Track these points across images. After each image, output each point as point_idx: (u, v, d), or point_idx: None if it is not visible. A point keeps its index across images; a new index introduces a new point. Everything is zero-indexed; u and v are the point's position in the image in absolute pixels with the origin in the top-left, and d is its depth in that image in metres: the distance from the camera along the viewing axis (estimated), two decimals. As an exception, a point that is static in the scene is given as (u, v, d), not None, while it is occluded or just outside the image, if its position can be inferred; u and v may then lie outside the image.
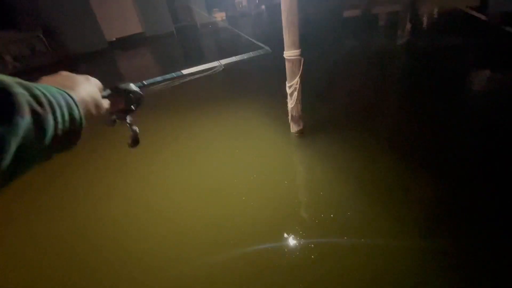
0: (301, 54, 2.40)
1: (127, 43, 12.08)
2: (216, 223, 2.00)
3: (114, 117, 0.58)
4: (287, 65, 2.47)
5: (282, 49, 2.42)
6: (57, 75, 0.47)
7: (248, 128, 3.23)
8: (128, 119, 0.59)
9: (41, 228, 2.23)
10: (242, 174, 2.46)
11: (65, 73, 0.48)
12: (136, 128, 0.61)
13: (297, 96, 2.52)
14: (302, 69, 2.42)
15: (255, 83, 4.72)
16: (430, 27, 6.28)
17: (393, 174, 2.21)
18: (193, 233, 1.95)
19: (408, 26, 5.70)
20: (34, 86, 0.34)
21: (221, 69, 0.90)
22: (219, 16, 13.91)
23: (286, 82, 2.56)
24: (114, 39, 12.17)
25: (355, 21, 7.14)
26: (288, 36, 2.35)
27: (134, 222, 2.13)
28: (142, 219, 2.15)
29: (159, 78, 0.68)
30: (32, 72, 10.12)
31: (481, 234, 1.66)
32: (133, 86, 0.58)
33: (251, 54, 0.98)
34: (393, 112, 3.21)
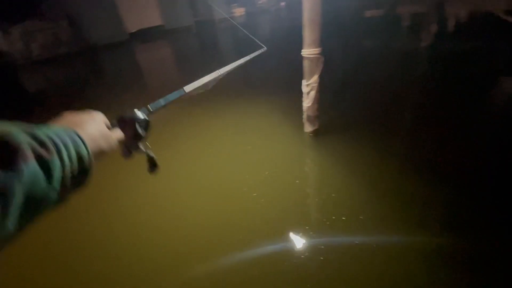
0: (321, 53, 2.36)
1: (146, 35, 12.30)
2: (226, 219, 2.01)
3: (127, 147, 0.57)
4: (305, 63, 2.43)
5: (293, 48, 2.39)
6: (61, 118, 0.45)
7: (260, 125, 3.22)
8: (141, 146, 0.58)
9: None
10: (254, 171, 2.47)
11: (67, 114, 0.46)
12: (151, 153, 0.60)
13: (315, 96, 2.48)
14: (321, 68, 2.38)
15: (268, 81, 4.70)
16: (457, 29, 6.01)
17: (409, 180, 2.14)
18: (203, 229, 1.97)
19: (433, 28, 5.49)
20: (37, 128, 0.34)
21: (221, 77, 0.89)
22: (238, 12, 13.89)
23: (303, 81, 2.53)
24: (134, 31, 12.41)
25: (377, 21, 6.95)
26: (308, 34, 2.31)
27: (143, 219, 2.18)
28: (152, 215, 2.18)
29: (162, 102, 0.67)
30: (55, 60, 10.50)
31: (498, 237, 1.60)
32: (138, 114, 0.57)
33: (247, 58, 0.94)
34: (412, 116, 3.11)
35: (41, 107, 5.45)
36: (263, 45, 1.43)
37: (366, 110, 3.27)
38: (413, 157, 2.39)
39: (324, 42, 2.37)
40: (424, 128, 2.80)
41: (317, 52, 2.35)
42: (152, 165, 0.61)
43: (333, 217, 1.89)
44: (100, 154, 0.45)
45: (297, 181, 2.28)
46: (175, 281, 1.65)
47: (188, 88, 0.77)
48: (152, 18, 12.61)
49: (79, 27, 11.24)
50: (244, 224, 1.94)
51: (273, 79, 4.84)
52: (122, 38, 12.03)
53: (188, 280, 1.64)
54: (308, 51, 2.34)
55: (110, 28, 11.54)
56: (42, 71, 9.39)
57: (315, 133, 2.79)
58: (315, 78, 2.41)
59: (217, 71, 0.85)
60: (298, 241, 1.77)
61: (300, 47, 2.42)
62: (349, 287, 1.49)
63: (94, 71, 8.62)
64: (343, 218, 1.87)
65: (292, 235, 1.81)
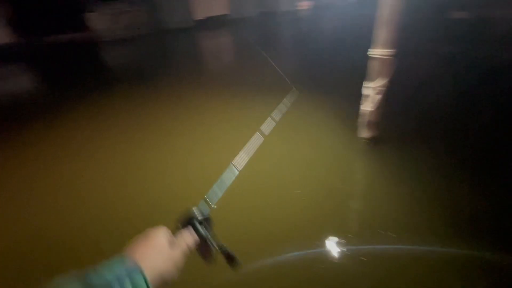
0: (395, 55, 2.18)
1: (212, 23, 12.89)
2: (266, 215, 2.04)
3: (201, 250, 0.54)
4: (373, 64, 2.28)
5: (357, 46, 2.24)
6: (130, 247, 0.46)
7: (310, 124, 3.14)
8: (213, 244, 0.54)
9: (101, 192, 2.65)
10: (300, 168, 2.44)
11: (135, 242, 0.47)
12: (224, 246, 0.54)
13: (381, 100, 2.32)
14: (392, 71, 2.20)
15: (322, 78, 4.53)
16: None
17: (467, 209, 1.88)
18: (252, 223, 2.03)
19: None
20: (96, 275, 0.36)
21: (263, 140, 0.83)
22: (305, 5, 13.56)
23: (365, 83, 2.38)
24: (202, 18, 13.09)
25: (462, 24, 6.09)
26: (383, 33, 2.15)
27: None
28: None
29: (219, 192, 0.60)
30: (134, 40, 11.71)
31: None
32: (197, 213, 0.54)
33: (282, 107, 0.82)
34: (486, 138, 2.68)
35: (118, 81, 6.18)
36: (293, 86, 1.32)
37: (432, 125, 2.93)
38: (476, 180, 2.09)
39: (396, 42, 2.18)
40: (496, 154, 2.40)
41: (390, 53, 2.17)
42: (230, 258, 0.54)
43: (380, 231, 1.77)
44: (164, 284, 0.45)
45: (343, 186, 2.19)
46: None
47: (238, 162, 0.70)
48: (219, 7, 13.12)
49: (155, 12, 12.31)
50: (284, 222, 1.94)
51: (328, 76, 4.65)
52: (189, 24, 12.79)
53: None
54: (379, 51, 2.18)
55: (180, 14, 12.39)
56: (123, 49, 10.60)
57: (371, 140, 2.62)
58: (382, 81, 2.24)
59: (259, 134, 0.77)
60: (337, 246, 1.71)
61: (364, 46, 2.26)
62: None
63: (163, 52, 9.40)
64: (391, 234, 1.75)
65: (331, 239, 1.75)
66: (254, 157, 2.75)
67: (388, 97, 2.35)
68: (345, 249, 1.69)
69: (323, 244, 1.73)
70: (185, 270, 0.50)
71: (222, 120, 3.53)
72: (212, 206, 0.57)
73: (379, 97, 2.31)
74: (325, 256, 1.67)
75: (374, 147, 2.58)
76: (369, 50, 2.26)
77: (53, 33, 11.99)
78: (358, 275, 1.55)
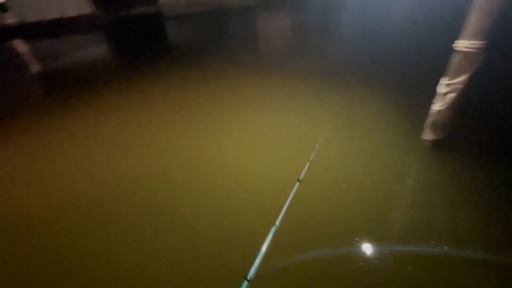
0: (484, 49, 1.86)
1: (271, 3, 12.58)
2: (312, 207, 2.02)
3: None
4: (456, 57, 1.98)
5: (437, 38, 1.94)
6: None
7: (369, 120, 2.93)
8: None
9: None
10: (353, 162, 2.33)
11: None
12: None
13: (455, 99, 2.04)
14: (476, 66, 1.90)
15: (389, 72, 4.12)
16: None
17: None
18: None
19: None
20: None
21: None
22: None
23: (442, 79, 2.10)
24: (261, -3, 12.83)
25: None
26: (474, 22, 1.84)
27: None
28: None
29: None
30: (193, 17, 12.13)
31: None
32: None
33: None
34: None
35: (181, 52, 6.54)
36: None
37: (509, 135, 2.48)
38: None
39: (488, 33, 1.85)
40: None
41: (479, 45, 1.86)
42: None
43: (432, 242, 1.64)
44: None
45: (396, 188, 2.05)
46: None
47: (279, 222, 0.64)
48: (281, -15, 12.68)
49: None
50: (328, 216, 1.91)
51: (394, 71, 4.22)
52: (250, 2, 12.68)
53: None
54: (467, 43, 1.88)
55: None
56: (185, 25, 11.10)
57: (435, 144, 2.35)
58: (463, 77, 1.96)
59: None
60: (382, 249, 1.64)
61: (447, 38, 1.96)
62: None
63: (222, 29, 9.56)
64: (441, 245, 1.60)
65: (377, 240, 1.68)
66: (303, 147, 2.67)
67: (464, 97, 2.05)
68: (386, 251, 1.61)
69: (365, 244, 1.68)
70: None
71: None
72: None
73: (453, 95, 2.03)
74: (368, 256, 1.62)
75: (436, 151, 2.31)
76: (455, 42, 1.97)
77: (127, 7, 13.09)
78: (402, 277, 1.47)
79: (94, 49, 8.17)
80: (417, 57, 4.47)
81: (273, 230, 0.58)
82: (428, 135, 2.36)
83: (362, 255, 1.62)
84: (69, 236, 1.95)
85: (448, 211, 1.83)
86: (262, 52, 6.36)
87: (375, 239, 1.69)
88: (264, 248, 0.51)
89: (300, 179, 0.75)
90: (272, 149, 2.62)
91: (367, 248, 1.65)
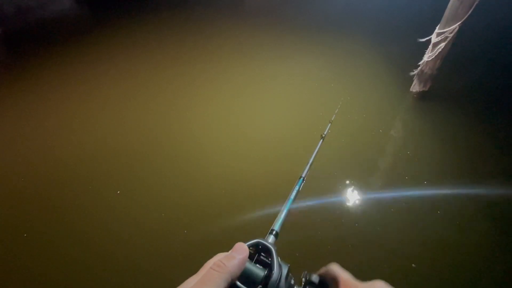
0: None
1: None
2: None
3: None
4: (452, 2, 1.89)
5: None
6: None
7: (359, 71, 2.88)
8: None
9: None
10: (341, 111, 2.34)
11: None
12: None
13: (444, 49, 2.00)
14: (468, 12, 1.82)
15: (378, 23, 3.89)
16: None
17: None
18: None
19: None
20: None
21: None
22: None
23: (437, 27, 2.02)
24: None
25: None
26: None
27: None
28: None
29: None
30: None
31: None
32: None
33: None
34: None
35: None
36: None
37: (495, 92, 2.49)
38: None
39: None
40: None
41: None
42: None
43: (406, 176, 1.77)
44: None
45: (380, 130, 2.14)
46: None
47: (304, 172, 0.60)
48: None
49: None
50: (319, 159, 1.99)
51: (384, 21, 3.97)
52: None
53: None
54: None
55: None
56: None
57: (421, 96, 2.37)
58: (455, 26, 1.89)
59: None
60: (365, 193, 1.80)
61: None
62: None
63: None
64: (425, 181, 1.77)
65: (362, 186, 1.83)
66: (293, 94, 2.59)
67: (454, 48, 2.01)
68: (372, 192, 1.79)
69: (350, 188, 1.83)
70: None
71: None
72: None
73: (442, 44, 1.98)
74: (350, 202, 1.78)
75: (421, 103, 2.35)
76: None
77: None
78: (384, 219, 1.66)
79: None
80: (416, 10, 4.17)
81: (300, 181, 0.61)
82: (415, 86, 2.37)
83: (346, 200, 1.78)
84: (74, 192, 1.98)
85: (436, 151, 1.99)
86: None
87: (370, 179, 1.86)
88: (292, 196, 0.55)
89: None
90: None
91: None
